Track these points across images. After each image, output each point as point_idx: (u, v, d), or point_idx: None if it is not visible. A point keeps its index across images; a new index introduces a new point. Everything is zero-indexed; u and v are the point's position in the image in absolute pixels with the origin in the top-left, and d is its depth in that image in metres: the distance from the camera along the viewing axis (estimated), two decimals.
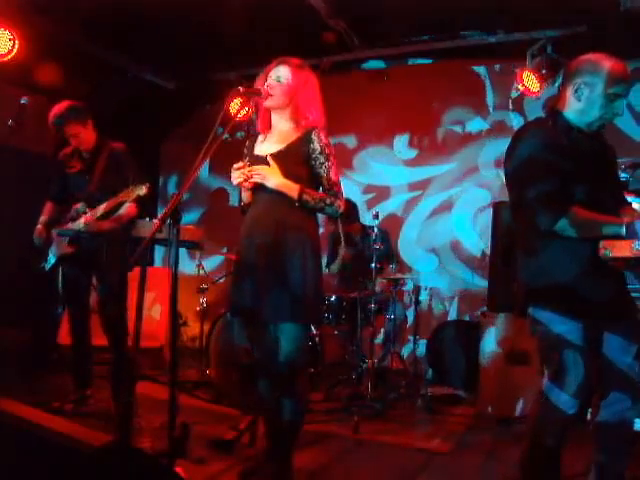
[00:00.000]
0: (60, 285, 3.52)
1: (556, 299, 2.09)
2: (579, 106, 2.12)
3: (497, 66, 5.31)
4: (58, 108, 3.40)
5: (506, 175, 2.23)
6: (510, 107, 5.15)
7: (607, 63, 2.08)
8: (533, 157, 2.08)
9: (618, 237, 1.93)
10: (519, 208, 2.21)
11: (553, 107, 2.23)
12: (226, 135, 2.15)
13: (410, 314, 4.93)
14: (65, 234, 3.39)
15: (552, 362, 2.11)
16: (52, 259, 3.46)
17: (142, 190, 3.05)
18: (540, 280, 2.14)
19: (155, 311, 5.10)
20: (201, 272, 4.99)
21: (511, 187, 2.23)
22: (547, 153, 2.06)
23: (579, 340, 2.05)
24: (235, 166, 2.36)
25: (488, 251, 4.33)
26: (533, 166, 2.07)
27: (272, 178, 2.31)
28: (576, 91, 2.11)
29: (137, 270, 3.14)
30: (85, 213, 3.30)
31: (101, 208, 3.22)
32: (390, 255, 4.76)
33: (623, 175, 3.53)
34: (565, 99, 2.17)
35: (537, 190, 2.04)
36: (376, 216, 4.07)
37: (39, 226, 3.52)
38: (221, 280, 4.98)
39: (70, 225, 3.36)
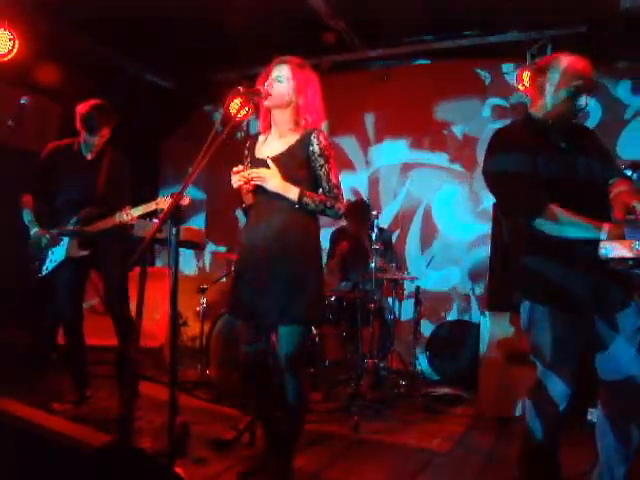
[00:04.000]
0: (58, 293, 3.42)
1: (544, 295, 2.13)
2: (544, 102, 2.20)
3: (497, 66, 5.30)
4: (97, 105, 3.32)
5: (485, 181, 2.29)
6: (510, 107, 5.16)
7: (566, 59, 2.17)
8: (502, 162, 2.16)
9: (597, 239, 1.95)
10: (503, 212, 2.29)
11: (526, 111, 2.31)
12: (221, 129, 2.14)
13: (410, 314, 4.92)
14: (69, 235, 3.35)
15: (543, 357, 2.13)
16: (54, 263, 3.38)
17: (185, 200, 2.79)
18: (529, 277, 2.18)
19: (155, 311, 5.10)
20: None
21: (492, 192, 2.30)
22: (515, 156, 2.13)
23: (570, 336, 2.07)
24: (235, 169, 2.36)
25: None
26: (504, 170, 2.15)
27: (272, 180, 2.31)
28: (540, 88, 2.21)
29: (137, 270, 3.19)
30: (77, 224, 3.31)
31: (140, 209, 3.23)
32: (390, 256, 4.75)
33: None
34: (533, 98, 2.26)
35: (511, 192, 2.14)
36: (376, 216, 4.06)
37: (37, 229, 3.40)
38: (221, 280, 4.98)
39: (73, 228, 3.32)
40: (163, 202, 3.15)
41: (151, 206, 3.19)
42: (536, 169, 2.10)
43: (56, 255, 3.38)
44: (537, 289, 2.15)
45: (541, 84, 2.20)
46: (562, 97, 2.15)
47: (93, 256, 3.37)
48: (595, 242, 1.95)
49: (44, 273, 3.40)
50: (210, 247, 6.16)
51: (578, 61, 2.16)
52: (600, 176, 2.21)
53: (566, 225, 2.01)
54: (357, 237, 4.66)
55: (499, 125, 2.40)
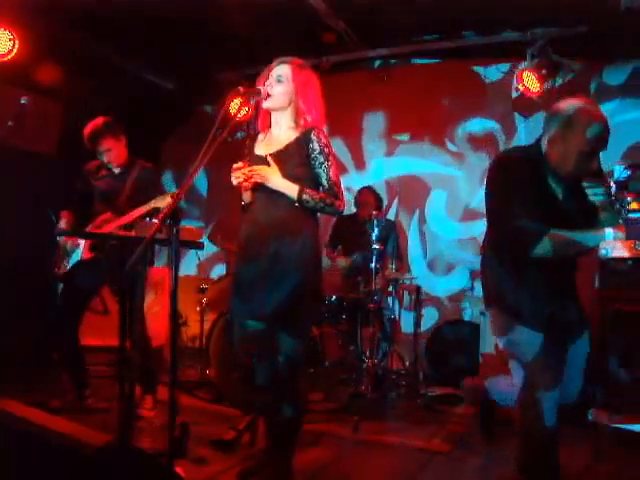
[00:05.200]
0: (63, 294, 3.57)
1: (515, 314, 2.19)
2: (555, 157, 2.15)
3: (497, 66, 5.30)
4: (94, 123, 3.44)
5: (485, 197, 2.29)
6: (510, 108, 5.16)
7: (583, 117, 2.07)
8: (503, 190, 2.16)
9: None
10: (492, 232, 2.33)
11: (538, 142, 2.24)
12: (220, 130, 2.15)
13: (410, 314, 4.92)
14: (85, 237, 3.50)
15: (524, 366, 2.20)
16: (71, 263, 3.52)
17: (168, 198, 3.13)
18: (504, 296, 2.25)
19: (155, 311, 5.10)
20: None
21: (487, 212, 2.31)
22: (518, 187, 2.11)
23: (543, 349, 2.12)
24: (235, 166, 2.36)
25: None
26: (503, 204, 2.15)
27: (272, 178, 2.32)
28: (552, 141, 2.15)
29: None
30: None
31: (136, 212, 3.27)
32: (393, 255, 4.70)
33: (623, 174, 3.53)
34: (546, 142, 2.19)
35: (510, 223, 2.10)
36: (376, 216, 4.05)
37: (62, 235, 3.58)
38: (221, 280, 4.98)
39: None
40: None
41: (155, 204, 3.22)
42: (534, 206, 2.09)
43: (74, 257, 3.53)
44: (507, 303, 2.22)
45: (551, 136, 2.15)
46: (573, 157, 2.10)
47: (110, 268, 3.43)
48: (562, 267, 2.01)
49: (64, 270, 3.54)
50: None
51: (594, 118, 2.07)
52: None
53: (569, 244, 2.02)
54: (361, 223, 4.62)
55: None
